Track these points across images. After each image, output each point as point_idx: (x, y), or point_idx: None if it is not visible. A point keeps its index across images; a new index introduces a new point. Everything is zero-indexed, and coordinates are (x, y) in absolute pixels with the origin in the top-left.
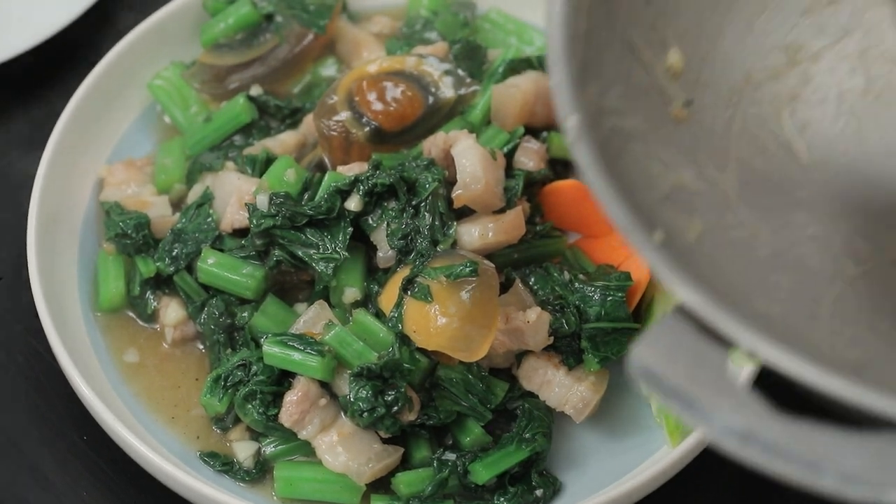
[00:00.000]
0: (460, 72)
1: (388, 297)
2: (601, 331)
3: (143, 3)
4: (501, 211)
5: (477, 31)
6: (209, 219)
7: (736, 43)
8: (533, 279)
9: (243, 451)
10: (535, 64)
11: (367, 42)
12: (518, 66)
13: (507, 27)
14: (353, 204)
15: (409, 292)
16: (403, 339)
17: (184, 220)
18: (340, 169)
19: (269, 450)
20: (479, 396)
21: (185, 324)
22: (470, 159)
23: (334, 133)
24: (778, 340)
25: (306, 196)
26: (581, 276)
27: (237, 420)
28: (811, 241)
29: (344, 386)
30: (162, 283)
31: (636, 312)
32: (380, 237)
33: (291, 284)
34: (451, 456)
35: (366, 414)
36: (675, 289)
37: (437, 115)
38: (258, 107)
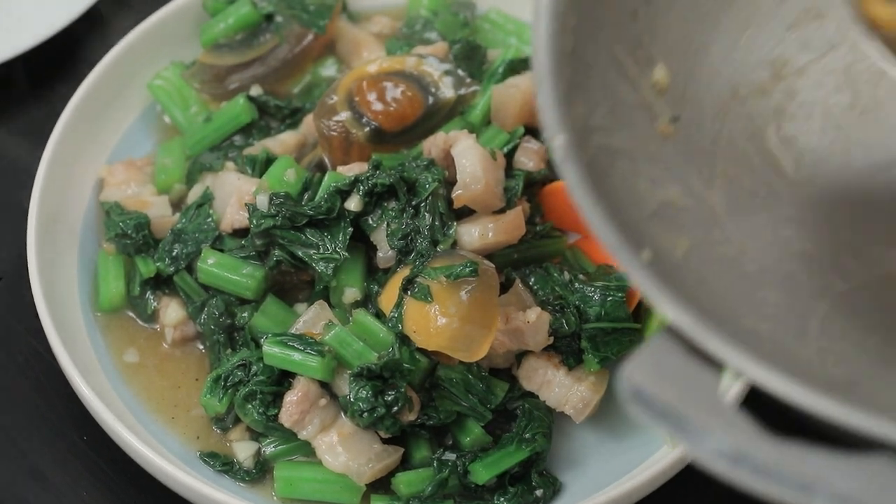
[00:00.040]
0: (460, 72)
1: (388, 297)
2: (601, 331)
3: (143, 3)
4: (501, 211)
5: (477, 31)
6: (209, 219)
7: (722, 58)
8: (533, 279)
9: (243, 451)
10: None
11: (367, 42)
12: (518, 66)
13: (507, 27)
14: (353, 204)
15: (409, 292)
16: (403, 340)
17: (184, 221)
18: (340, 169)
19: (269, 450)
20: (479, 396)
21: (185, 324)
22: (470, 159)
23: (334, 133)
24: (766, 360)
25: (306, 196)
26: (581, 277)
27: (237, 420)
28: (799, 257)
29: (344, 386)
30: (162, 283)
31: (636, 312)
32: (380, 237)
33: (291, 284)
34: (451, 456)
35: (366, 414)
36: (664, 309)
37: (437, 116)
38: (258, 107)
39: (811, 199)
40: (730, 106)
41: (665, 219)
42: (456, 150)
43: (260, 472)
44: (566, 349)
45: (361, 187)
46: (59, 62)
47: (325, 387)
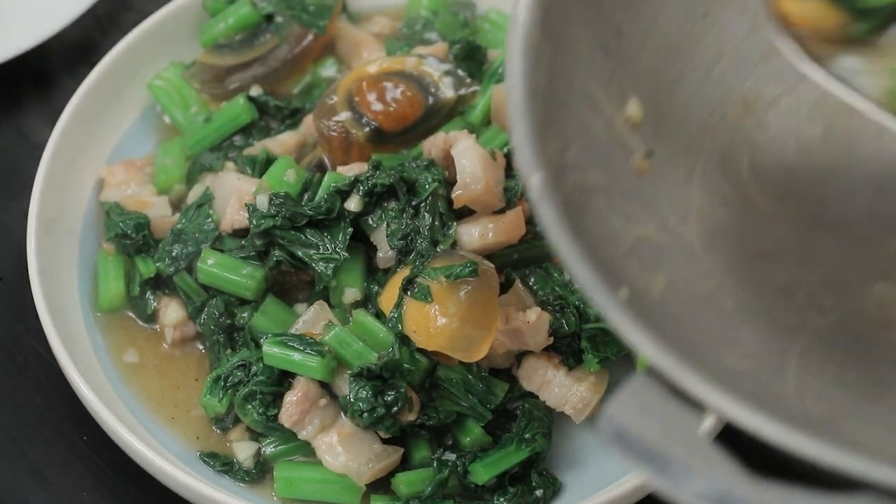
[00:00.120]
0: (460, 72)
1: (388, 297)
2: (601, 331)
3: (143, 3)
4: (501, 211)
5: (477, 31)
6: (209, 219)
7: (694, 91)
8: (533, 279)
9: (243, 451)
10: None
11: (367, 42)
12: None
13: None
14: (353, 204)
15: (408, 292)
16: (403, 340)
17: (184, 221)
18: (340, 169)
19: (269, 450)
20: (478, 397)
21: (185, 324)
22: (470, 160)
23: (334, 133)
24: (746, 400)
25: (306, 196)
26: None
27: (237, 420)
28: (776, 292)
29: (344, 386)
30: (162, 284)
31: None
32: (380, 237)
33: (291, 285)
34: (450, 456)
35: (366, 414)
36: (643, 349)
37: (437, 116)
38: (258, 107)
39: (787, 233)
40: (702, 140)
41: (641, 256)
42: (456, 150)
43: (260, 472)
44: (566, 349)
45: (361, 187)
46: (60, 62)
47: (325, 387)
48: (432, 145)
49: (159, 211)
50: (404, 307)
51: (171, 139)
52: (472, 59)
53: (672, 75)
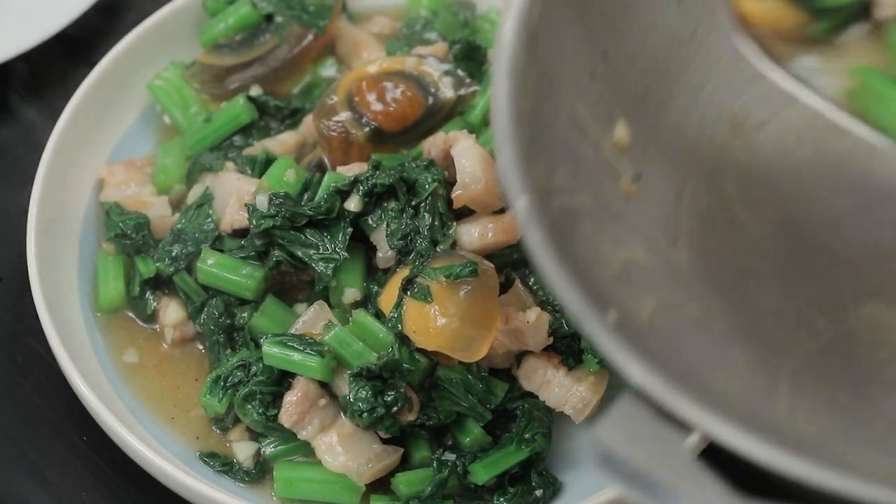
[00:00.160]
0: (460, 72)
1: (387, 297)
2: None
3: (143, 3)
4: (501, 211)
5: (477, 32)
6: (209, 219)
7: (682, 114)
8: (533, 279)
9: (243, 451)
10: None
11: (367, 42)
12: None
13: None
14: (353, 204)
15: (408, 293)
16: (403, 340)
17: (183, 221)
18: (340, 169)
19: (268, 450)
20: (478, 397)
21: (185, 324)
22: (470, 160)
23: (334, 133)
24: (736, 422)
25: (306, 196)
26: None
27: (237, 420)
28: (767, 314)
29: (344, 386)
30: (162, 284)
31: None
32: (379, 237)
33: (291, 285)
34: (450, 456)
35: (365, 414)
36: (631, 372)
37: (437, 116)
38: (258, 107)
39: (776, 255)
40: (691, 163)
41: (630, 279)
42: (456, 150)
43: (260, 472)
44: (566, 349)
45: (361, 187)
46: (60, 62)
47: (325, 387)
48: (432, 145)
49: (159, 211)
50: (404, 307)
51: (170, 139)
52: (471, 59)
53: (660, 98)
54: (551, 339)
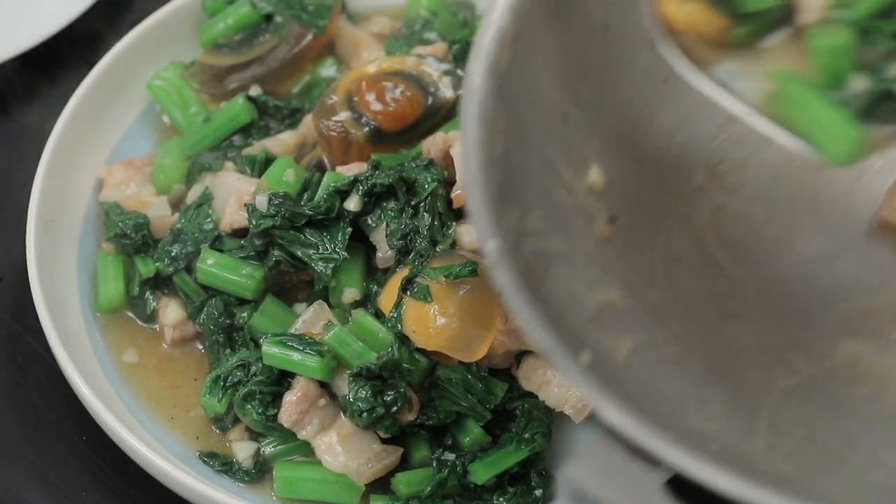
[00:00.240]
0: (460, 72)
1: (387, 297)
2: None
3: (143, 3)
4: None
5: (476, 31)
6: (208, 219)
7: (657, 158)
8: None
9: (243, 451)
10: None
11: (367, 42)
12: None
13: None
14: (353, 204)
15: (408, 292)
16: (403, 340)
17: (183, 221)
18: (340, 169)
19: (268, 450)
20: (478, 396)
21: (185, 324)
22: None
23: (334, 133)
24: (712, 460)
25: (305, 196)
26: None
27: (236, 420)
28: (744, 353)
29: (343, 386)
30: (161, 284)
31: None
32: (379, 237)
33: (291, 284)
34: (450, 456)
35: (365, 414)
36: (605, 412)
37: (437, 116)
38: (258, 107)
39: (753, 295)
40: (667, 205)
41: (606, 321)
42: (455, 149)
43: (259, 472)
44: None
45: (361, 187)
46: (60, 62)
47: (325, 387)
48: (432, 145)
49: (159, 211)
50: (404, 307)
51: (170, 139)
52: None
53: (633, 140)
54: None
